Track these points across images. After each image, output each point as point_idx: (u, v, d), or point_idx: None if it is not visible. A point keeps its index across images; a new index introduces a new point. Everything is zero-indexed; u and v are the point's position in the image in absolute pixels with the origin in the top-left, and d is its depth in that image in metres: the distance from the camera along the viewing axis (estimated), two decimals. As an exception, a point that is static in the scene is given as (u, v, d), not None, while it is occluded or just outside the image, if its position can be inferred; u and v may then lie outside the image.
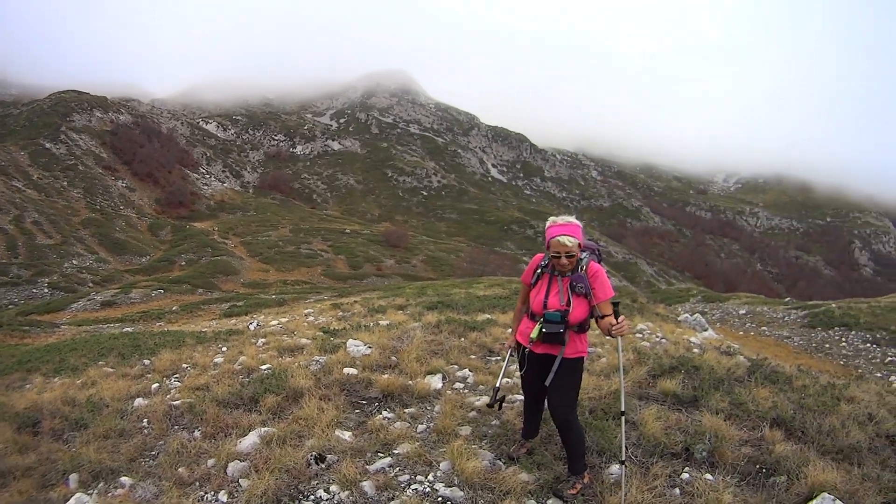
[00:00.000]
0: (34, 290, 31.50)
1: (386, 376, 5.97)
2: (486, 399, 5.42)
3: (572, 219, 4.02)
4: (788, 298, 33.39)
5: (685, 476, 4.14)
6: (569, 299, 3.97)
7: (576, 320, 3.97)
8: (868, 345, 17.65)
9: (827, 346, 18.37)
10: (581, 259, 4.03)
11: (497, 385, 4.46)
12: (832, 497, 3.59)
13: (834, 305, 22.71)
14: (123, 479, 4.19)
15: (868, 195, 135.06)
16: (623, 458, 3.97)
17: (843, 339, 18.52)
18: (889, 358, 16.34)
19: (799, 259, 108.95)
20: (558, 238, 3.89)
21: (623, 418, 4.03)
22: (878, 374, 14.84)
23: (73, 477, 4.29)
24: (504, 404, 5.12)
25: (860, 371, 15.15)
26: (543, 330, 3.96)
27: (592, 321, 4.10)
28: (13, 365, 9.75)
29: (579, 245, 3.96)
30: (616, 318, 3.83)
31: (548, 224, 4.06)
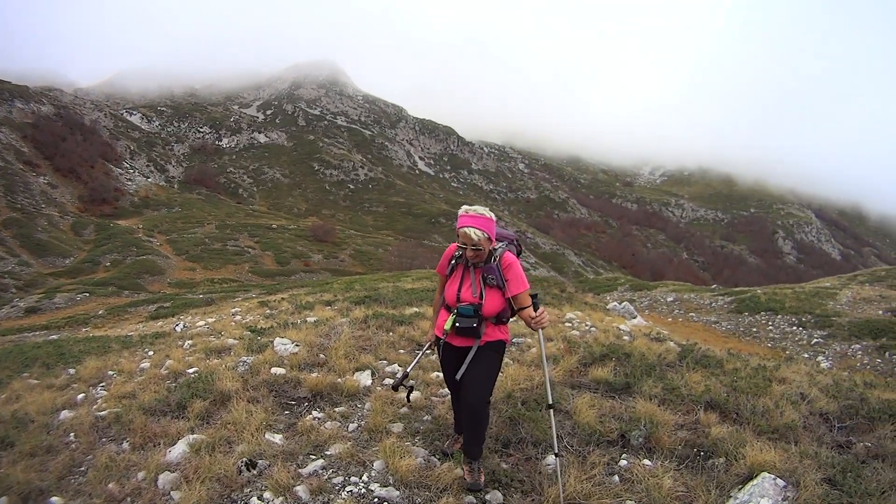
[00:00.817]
0: (-49, 298, 29.61)
1: (314, 375, 5.83)
2: (416, 394, 5.37)
3: (485, 211, 3.81)
4: (715, 285, 34.69)
5: (623, 463, 4.18)
6: (481, 291, 3.85)
7: (490, 313, 3.86)
8: (794, 328, 18.46)
9: (754, 329, 19.12)
10: (495, 250, 3.90)
11: (407, 371, 4.29)
12: (772, 476, 3.65)
13: (760, 291, 23.70)
14: (53, 499, 4.02)
15: (789, 188, 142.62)
16: (557, 451, 3.89)
17: (770, 323, 19.30)
18: (815, 339, 17.14)
19: (724, 248, 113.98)
20: (465, 229, 3.75)
21: (552, 411, 3.95)
22: (806, 355, 15.58)
23: (3, 500, 4.07)
24: (416, 393, 5.12)
25: (788, 353, 15.84)
26: (456, 324, 3.88)
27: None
28: (-68, 384, 9.11)
29: (489, 239, 3.79)
30: (535, 310, 3.76)
31: (459, 212, 3.86)
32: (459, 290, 3.92)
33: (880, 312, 18.98)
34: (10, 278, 34.37)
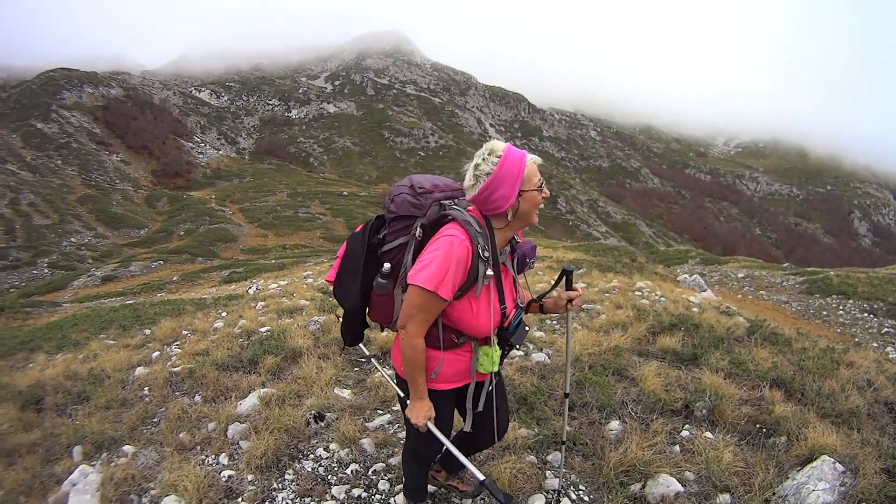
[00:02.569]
0: (34, 272, 31.32)
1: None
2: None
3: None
4: (787, 264, 33.41)
5: (685, 433, 4.12)
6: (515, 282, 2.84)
7: None
8: (865, 314, 17.67)
9: (824, 312, 18.39)
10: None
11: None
12: (832, 460, 3.55)
13: (832, 273, 22.70)
14: (126, 447, 4.20)
15: (864, 165, 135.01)
16: (564, 439, 3.37)
17: (841, 308, 18.53)
18: (886, 329, 16.37)
19: (798, 226, 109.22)
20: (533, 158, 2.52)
21: (567, 400, 3.26)
22: (875, 344, 14.85)
23: (77, 449, 4.29)
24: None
25: (857, 339, 15.19)
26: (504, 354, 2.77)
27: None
28: (16, 345, 9.71)
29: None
30: (568, 288, 2.79)
31: (496, 149, 2.43)
32: (504, 302, 2.57)
33: (955, 306, 17.89)
34: (87, 250, 36.03)
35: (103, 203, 46.73)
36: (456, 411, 2.91)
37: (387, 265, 2.51)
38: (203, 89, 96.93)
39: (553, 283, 2.89)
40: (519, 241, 2.71)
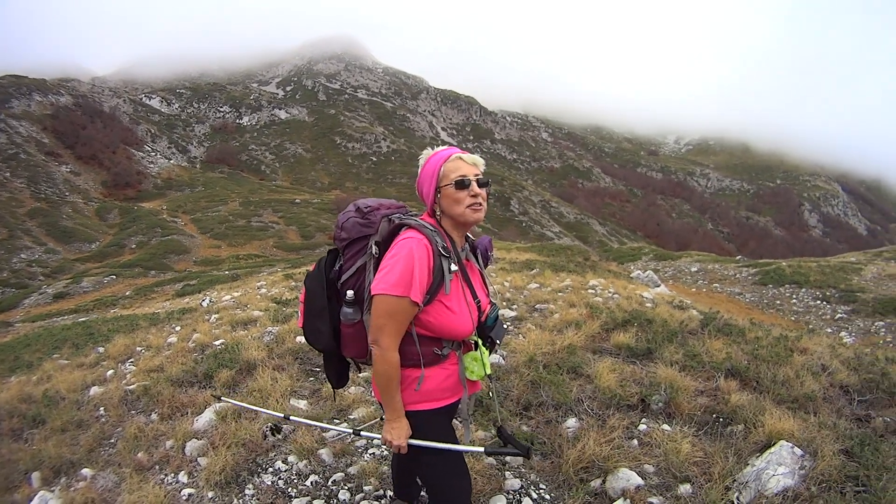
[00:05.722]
0: (-17, 292, 30.34)
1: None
2: None
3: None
4: (740, 257, 34.29)
5: (643, 427, 4.18)
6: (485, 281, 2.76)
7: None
8: (818, 302, 18.18)
9: (778, 302, 18.88)
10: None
11: None
12: (790, 444, 3.63)
13: (784, 264, 23.36)
14: (84, 470, 4.12)
15: (809, 158, 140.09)
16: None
17: (794, 296, 19.04)
18: (839, 315, 16.86)
19: (749, 220, 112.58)
20: (462, 156, 2.49)
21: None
22: (829, 330, 15.32)
23: (36, 475, 4.18)
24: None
25: (811, 327, 15.63)
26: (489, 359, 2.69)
27: None
28: (-33, 371, 9.40)
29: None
30: None
31: (430, 156, 2.52)
32: (476, 297, 2.52)
33: (906, 290, 18.56)
34: (37, 266, 35.09)
35: (53, 216, 45.41)
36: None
37: (350, 293, 2.43)
38: (153, 96, 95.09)
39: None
40: (473, 238, 2.68)
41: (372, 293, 2.29)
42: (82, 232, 43.83)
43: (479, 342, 2.53)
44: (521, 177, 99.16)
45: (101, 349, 7.97)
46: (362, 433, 3.02)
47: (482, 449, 2.42)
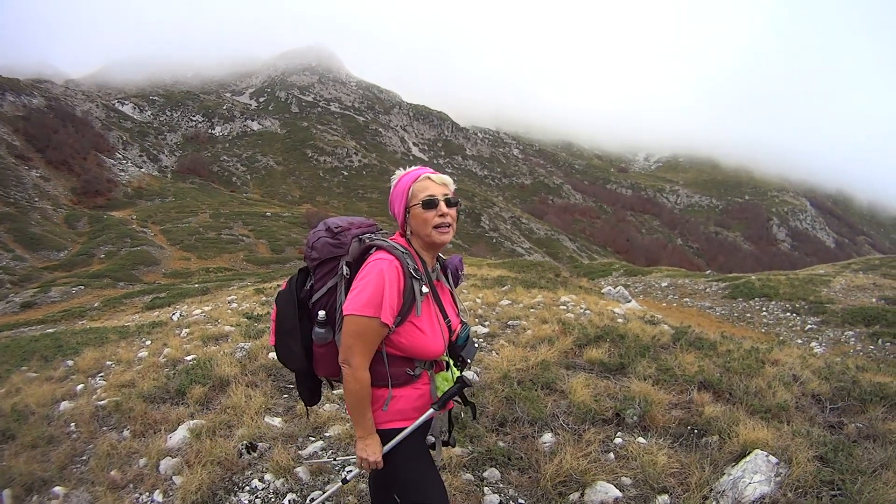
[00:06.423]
0: (-51, 300, 29.47)
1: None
2: None
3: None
4: (709, 271, 34.89)
5: (618, 441, 4.23)
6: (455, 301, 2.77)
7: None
8: (788, 314, 18.55)
9: (748, 315, 19.22)
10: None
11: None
12: (765, 453, 3.69)
13: (754, 277, 23.82)
14: (56, 489, 4.03)
15: (776, 173, 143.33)
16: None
17: (764, 309, 19.39)
18: (809, 326, 17.23)
19: (718, 235, 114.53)
20: (431, 176, 2.50)
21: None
22: (799, 341, 15.67)
23: (6, 493, 4.08)
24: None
25: (782, 338, 15.92)
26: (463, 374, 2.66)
27: None
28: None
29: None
30: None
31: (402, 175, 2.54)
32: (447, 317, 2.53)
33: (874, 300, 19.02)
34: (4, 273, 34.15)
35: (22, 222, 44.18)
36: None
37: (321, 313, 2.43)
38: (126, 102, 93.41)
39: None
40: (444, 257, 2.69)
41: (344, 313, 2.29)
42: (51, 240, 42.81)
43: (451, 362, 2.56)
44: (492, 193, 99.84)
45: (70, 362, 7.84)
46: (337, 458, 3.03)
47: (432, 409, 2.45)
